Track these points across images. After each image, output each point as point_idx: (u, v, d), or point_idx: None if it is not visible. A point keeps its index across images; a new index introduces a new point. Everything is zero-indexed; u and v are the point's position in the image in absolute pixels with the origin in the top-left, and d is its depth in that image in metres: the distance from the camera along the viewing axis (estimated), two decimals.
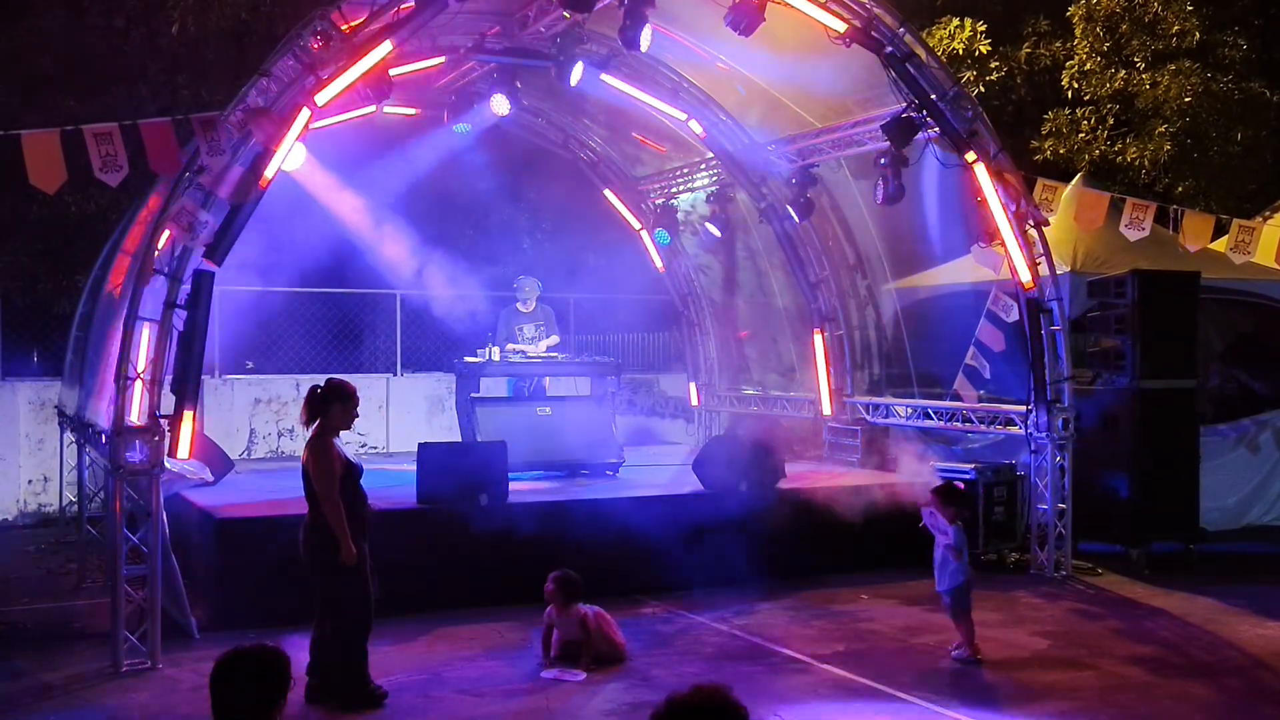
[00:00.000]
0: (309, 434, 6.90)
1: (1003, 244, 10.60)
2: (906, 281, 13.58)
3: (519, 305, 12.63)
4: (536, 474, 11.42)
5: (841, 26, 9.87)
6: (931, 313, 13.00)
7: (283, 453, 14.42)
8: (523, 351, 12.28)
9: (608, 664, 7.64)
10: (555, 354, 12.51)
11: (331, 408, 6.84)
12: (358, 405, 7.01)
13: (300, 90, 8.38)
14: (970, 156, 10.37)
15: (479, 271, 17.27)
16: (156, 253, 7.95)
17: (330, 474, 6.69)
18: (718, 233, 13.90)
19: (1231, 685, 7.37)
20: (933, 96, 10.19)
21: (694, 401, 15.70)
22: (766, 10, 9.43)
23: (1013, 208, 10.48)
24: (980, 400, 11.62)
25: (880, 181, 10.95)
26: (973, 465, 11.20)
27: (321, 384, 6.99)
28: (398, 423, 15.11)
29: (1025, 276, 10.55)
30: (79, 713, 6.90)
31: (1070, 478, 10.65)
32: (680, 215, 14.55)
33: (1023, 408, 10.83)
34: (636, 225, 14.98)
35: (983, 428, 11.62)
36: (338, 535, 6.63)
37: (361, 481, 6.97)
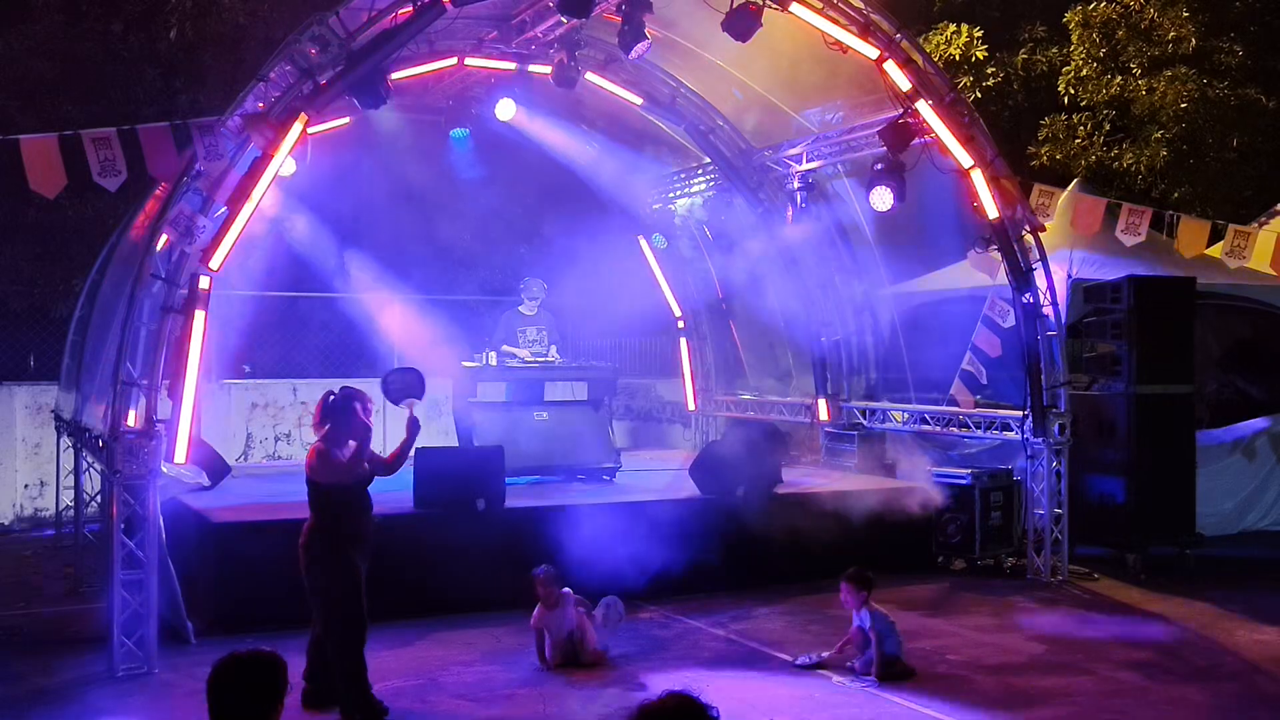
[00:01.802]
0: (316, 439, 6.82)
1: (999, 249, 10.62)
2: (903, 287, 13.60)
3: (522, 308, 12.60)
4: (533, 479, 11.42)
5: (874, 55, 9.93)
6: (928, 318, 13.01)
7: (279, 457, 14.42)
8: (518, 355, 12.23)
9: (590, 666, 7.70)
10: (556, 357, 12.48)
11: (339, 415, 6.77)
12: (367, 413, 6.85)
13: (298, 95, 8.39)
14: (967, 162, 10.39)
15: (476, 276, 17.28)
16: (153, 257, 7.96)
17: (339, 467, 6.65)
18: (715, 235, 13.91)
19: (1228, 690, 7.38)
20: (930, 102, 10.21)
21: (691, 406, 15.71)
22: (763, 16, 9.46)
23: (1009, 213, 10.50)
24: (977, 405, 11.64)
25: (877, 187, 10.96)
26: (969, 470, 11.21)
27: (335, 391, 6.91)
28: (394, 427, 15.07)
29: (1021, 282, 10.57)
30: (75, 717, 6.90)
31: (1066, 482, 10.67)
32: (677, 220, 14.55)
33: (1019, 413, 10.84)
34: (634, 230, 14.98)
35: (979, 433, 11.63)
36: (405, 453, 7.03)
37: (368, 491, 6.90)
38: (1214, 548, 11.63)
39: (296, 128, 8.35)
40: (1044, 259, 10.67)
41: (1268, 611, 9.30)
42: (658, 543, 9.59)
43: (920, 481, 11.34)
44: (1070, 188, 12.67)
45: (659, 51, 10.92)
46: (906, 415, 12.59)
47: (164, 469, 7.99)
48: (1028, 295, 10.61)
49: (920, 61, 10.32)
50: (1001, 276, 10.81)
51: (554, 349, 12.46)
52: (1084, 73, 17.88)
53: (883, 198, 10.77)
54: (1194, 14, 17.48)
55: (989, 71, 18.35)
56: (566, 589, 7.83)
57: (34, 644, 8.44)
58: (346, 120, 10.37)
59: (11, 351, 14.61)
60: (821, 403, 13.39)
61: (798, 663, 7.77)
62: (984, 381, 11.50)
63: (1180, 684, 7.48)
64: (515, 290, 13.00)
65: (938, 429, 12.12)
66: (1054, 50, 18.76)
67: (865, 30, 9.99)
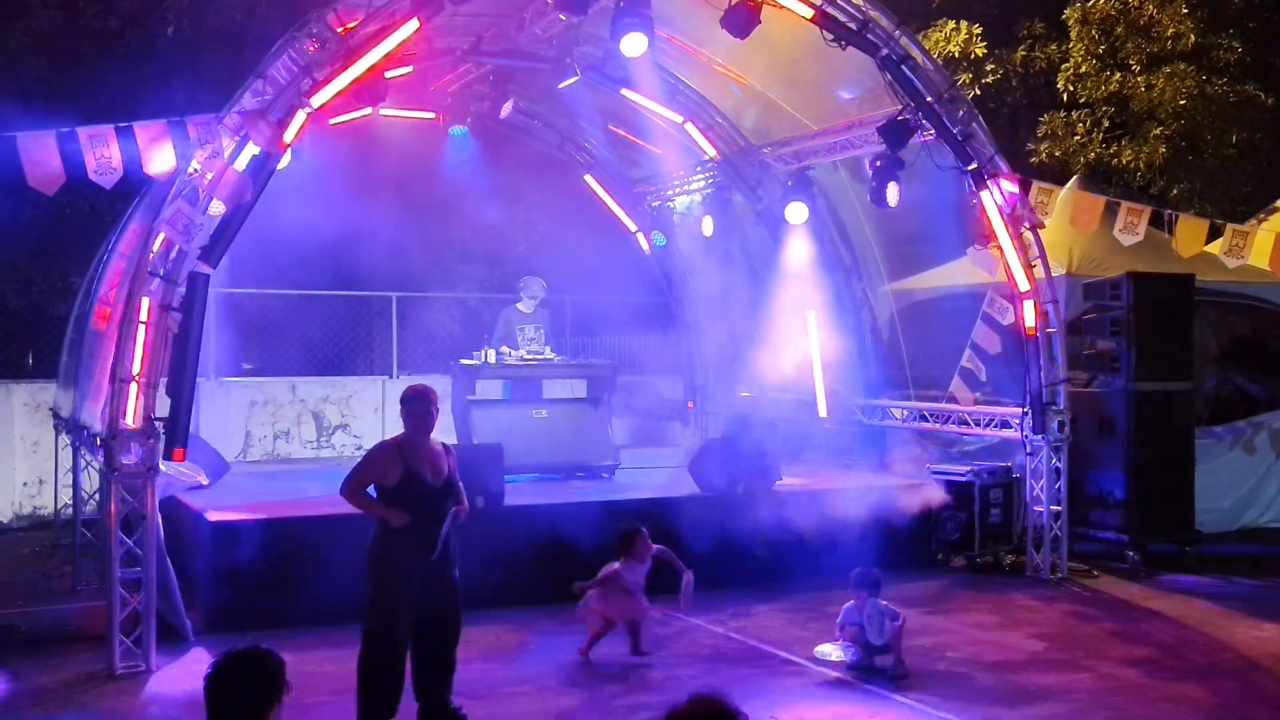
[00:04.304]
0: None
1: (998, 246, 10.62)
2: (903, 284, 13.59)
3: (520, 305, 12.58)
4: (533, 476, 11.41)
5: (873, 51, 9.86)
6: (928, 315, 13.00)
7: (278, 455, 14.40)
8: (513, 356, 12.22)
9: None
10: (551, 356, 12.47)
11: (402, 414, 6.52)
12: (418, 411, 6.48)
13: (296, 92, 8.38)
14: (966, 159, 10.38)
15: (475, 274, 17.27)
16: (151, 255, 7.94)
17: (357, 471, 6.43)
18: (714, 232, 13.85)
19: (1227, 687, 7.38)
20: (928, 99, 10.20)
21: (690, 404, 15.69)
22: (762, 13, 9.44)
23: (1008, 210, 10.49)
24: (976, 403, 11.63)
25: (876, 184, 10.95)
26: (969, 467, 11.21)
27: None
28: (394, 425, 15.01)
29: (1021, 279, 10.57)
30: (74, 716, 6.89)
31: (1066, 480, 10.66)
32: (676, 217, 14.54)
33: (1018, 410, 10.84)
34: (633, 227, 14.98)
35: (979, 430, 11.62)
36: (369, 513, 6.38)
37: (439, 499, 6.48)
38: (1213, 544, 11.64)
39: (295, 125, 8.34)
40: (1043, 256, 10.66)
41: (1267, 608, 9.31)
42: (656, 540, 9.56)
43: (919, 479, 11.34)
44: (1069, 185, 12.65)
45: (657, 48, 10.90)
46: (906, 412, 12.58)
47: (162, 467, 7.97)
48: (1027, 292, 10.60)
49: (919, 58, 10.31)
50: (1001, 273, 10.80)
51: (549, 349, 12.43)
52: (1083, 69, 17.87)
53: (892, 194, 10.75)
54: (1193, 10, 17.48)
55: (988, 69, 18.33)
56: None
57: (32, 642, 8.42)
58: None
59: (10, 349, 14.58)
60: (821, 400, 13.37)
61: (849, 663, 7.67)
62: (983, 379, 11.49)
63: (1180, 681, 7.47)
64: (514, 288, 12.98)
65: (937, 426, 12.11)
66: (1053, 47, 18.75)
67: (864, 27, 9.98)
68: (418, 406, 6.47)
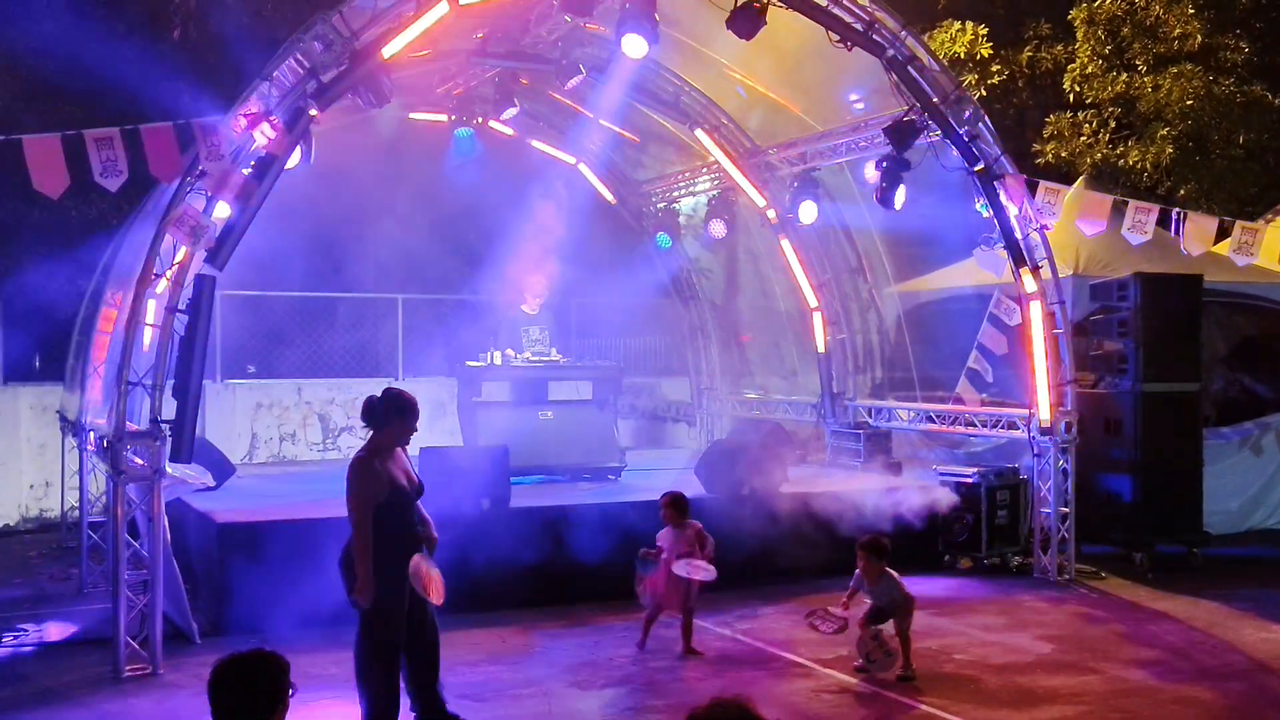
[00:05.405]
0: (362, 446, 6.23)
1: (1005, 247, 10.59)
2: (909, 285, 13.57)
3: (524, 307, 12.57)
4: (538, 478, 11.40)
5: (878, 52, 9.84)
6: (934, 316, 12.99)
7: (284, 457, 14.41)
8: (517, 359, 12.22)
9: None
10: (557, 357, 12.46)
11: (389, 421, 6.09)
12: (411, 422, 6.18)
13: (302, 94, 8.38)
14: (972, 160, 10.36)
15: (480, 275, 17.25)
16: (158, 257, 7.94)
17: (364, 500, 5.91)
18: (720, 234, 13.86)
19: (1235, 689, 7.35)
20: (934, 100, 10.19)
21: (696, 405, 15.69)
22: (768, 14, 9.43)
23: (1015, 211, 10.47)
24: (983, 403, 11.60)
25: (882, 185, 10.92)
26: (975, 469, 11.19)
27: (379, 393, 6.23)
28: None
29: (1027, 280, 10.54)
30: (80, 718, 6.89)
31: (1073, 481, 10.63)
32: (682, 219, 14.52)
33: (1025, 411, 10.81)
34: (638, 229, 14.97)
35: (985, 431, 11.60)
36: (359, 571, 5.89)
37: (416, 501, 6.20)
38: (1221, 546, 11.60)
39: (300, 126, 8.35)
40: (1050, 256, 10.64)
41: (1275, 610, 9.27)
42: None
43: (926, 480, 11.31)
44: (1076, 185, 12.63)
45: (662, 50, 10.89)
46: (912, 414, 12.55)
47: (168, 469, 7.97)
48: (1034, 293, 10.58)
49: (925, 59, 10.29)
50: (1008, 274, 10.78)
51: (554, 350, 12.42)
52: (1089, 70, 17.84)
53: (898, 196, 10.73)
54: (1199, 11, 17.45)
55: (994, 69, 18.32)
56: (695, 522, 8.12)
57: (39, 645, 8.43)
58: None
59: (16, 352, 14.60)
60: (827, 401, 13.36)
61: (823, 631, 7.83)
62: (990, 380, 11.47)
63: (1188, 683, 7.44)
64: (519, 289, 12.97)
65: (944, 427, 12.08)
66: (1059, 47, 18.74)
67: (869, 28, 9.96)
68: (411, 418, 6.18)
